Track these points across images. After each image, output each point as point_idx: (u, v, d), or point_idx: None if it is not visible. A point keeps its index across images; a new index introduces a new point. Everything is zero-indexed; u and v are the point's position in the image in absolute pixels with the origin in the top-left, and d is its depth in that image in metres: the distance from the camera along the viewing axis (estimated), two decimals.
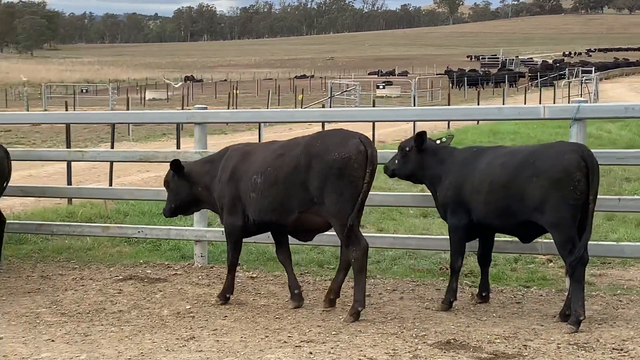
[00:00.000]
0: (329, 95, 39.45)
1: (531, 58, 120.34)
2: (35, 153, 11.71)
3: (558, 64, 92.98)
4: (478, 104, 30.24)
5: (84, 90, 66.66)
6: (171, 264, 8.37)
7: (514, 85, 63.15)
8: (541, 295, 7.01)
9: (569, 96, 38.96)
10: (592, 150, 6.12)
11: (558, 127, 21.06)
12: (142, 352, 5.62)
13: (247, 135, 24.78)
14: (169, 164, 7.10)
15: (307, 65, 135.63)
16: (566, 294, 6.39)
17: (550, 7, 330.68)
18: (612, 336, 5.83)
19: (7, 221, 8.48)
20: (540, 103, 31.73)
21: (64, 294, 7.28)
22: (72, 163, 12.80)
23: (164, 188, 7.27)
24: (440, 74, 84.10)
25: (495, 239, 6.78)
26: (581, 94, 40.23)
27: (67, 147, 12.84)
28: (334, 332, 5.97)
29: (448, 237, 6.67)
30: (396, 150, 7.00)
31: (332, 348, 5.61)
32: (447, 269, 7.44)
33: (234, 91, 46.87)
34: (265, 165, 6.45)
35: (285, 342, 5.79)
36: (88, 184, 14.43)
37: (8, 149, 8.28)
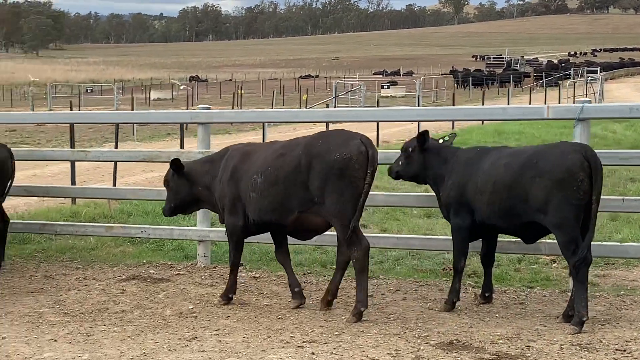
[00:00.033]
0: (334, 95, 39.42)
1: (536, 58, 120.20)
2: (39, 153, 11.72)
3: (563, 64, 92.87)
4: (483, 104, 30.19)
5: (89, 90, 66.76)
6: (174, 264, 8.37)
7: (519, 85, 63.07)
8: (544, 296, 6.99)
9: (574, 96, 38.83)
10: (596, 151, 6.10)
11: (563, 127, 21.03)
12: (144, 352, 5.62)
13: (251, 135, 24.78)
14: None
15: (312, 65, 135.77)
16: (569, 294, 6.37)
17: (555, 7, 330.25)
18: (616, 337, 5.81)
19: (11, 221, 8.50)
20: (545, 103, 31.65)
21: (67, 293, 7.29)
22: (76, 163, 12.82)
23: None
24: (445, 74, 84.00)
25: (499, 239, 6.78)
26: (586, 94, 40.21)
27: (71, 147, 12.87)
28: (336, 333, 5.96)
29: (451, 237, 6.66)
30: (400, 151, 6.99)
31: (334, 348, 5.59)
32: (450, 269, 7.43)
33: (239, 91, 46.90)
34: (266, 165, 6.45)
35: (287, 342, 5.78)
36: (92, 184, 14.44)
37: (12, 149, 8.31)
